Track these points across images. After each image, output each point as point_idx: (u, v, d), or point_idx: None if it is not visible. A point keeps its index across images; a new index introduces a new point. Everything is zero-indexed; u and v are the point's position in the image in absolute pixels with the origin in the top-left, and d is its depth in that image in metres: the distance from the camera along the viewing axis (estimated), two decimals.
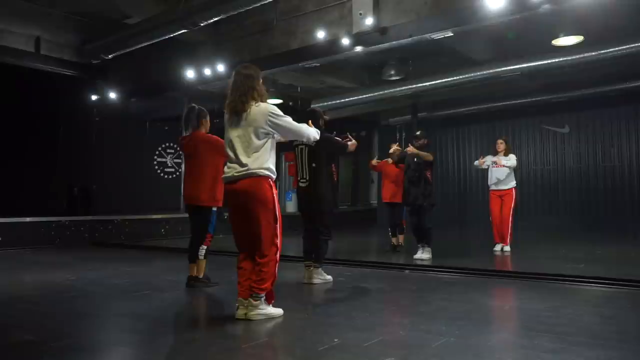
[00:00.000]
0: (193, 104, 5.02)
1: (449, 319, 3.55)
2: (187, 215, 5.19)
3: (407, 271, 5.98)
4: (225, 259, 6.37)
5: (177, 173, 13.85)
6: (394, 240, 7.58)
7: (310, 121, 4.38)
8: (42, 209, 10.04)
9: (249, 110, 3.51)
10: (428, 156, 6.46)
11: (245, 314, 3.49)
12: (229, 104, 3.56)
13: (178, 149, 5.15)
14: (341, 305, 4.13)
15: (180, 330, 3.48)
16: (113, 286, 5.13)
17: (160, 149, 14.23)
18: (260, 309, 3.49)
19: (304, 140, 3.91)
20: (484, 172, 7.75)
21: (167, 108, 12.85)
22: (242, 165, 3.48)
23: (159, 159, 14.19)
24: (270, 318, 3.51)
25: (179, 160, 13.46)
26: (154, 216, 10.55)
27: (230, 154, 3.55)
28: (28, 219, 8.97)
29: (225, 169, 3.59)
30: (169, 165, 14.38)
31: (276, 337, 3.27)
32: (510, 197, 7.28)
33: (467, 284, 5.11)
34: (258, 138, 3.51)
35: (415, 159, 6.54)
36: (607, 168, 11.68)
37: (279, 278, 5.16)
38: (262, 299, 3.51)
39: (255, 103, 3.53)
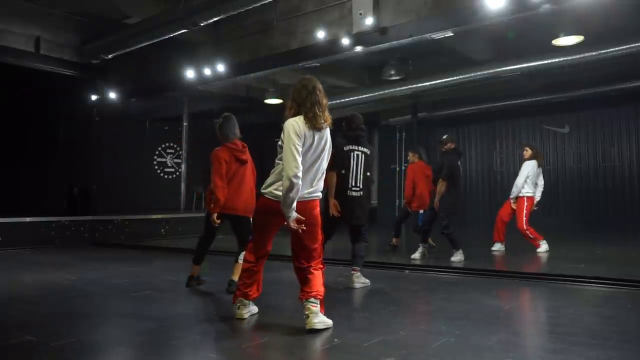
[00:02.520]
0: (228, 113, 4.86)
1: (449, 319, 3.55)
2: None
3: (407, 271, 5.98)
4: (228, 259, 6.36)
5: (177, 173, 13.85)
6: (394, 240, 7.59)
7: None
8: (42, 209, 10.03)
9: (326, 132, 3.40)
10: (439, 192, 6.30)
11: (307, 322, 3.26)
12: (315, 117, 3.29)
13: (235, 154, 4.74)
14: (341, 305, 4.12)
15: (180, 330, 3.48)
16: (113, 286, 5.13)
17: (160, 149, 14.22)
18: (320, 316, 3.30)
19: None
20: (484, 173, 7.77)
21: (167, 108, 12.86)
22: (311, 186, 3.37)
23: (159, 159, 14.19)
24: (327, 328, 3.30)
25: (179, 160, 13.45)
26: (154, 216, 10.55)
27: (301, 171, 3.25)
28: (28, 219, 8.96)
29: (289, 183, 3.17)
30: (169, 165, 14.37)
31: (276, 337, 3.26)
32: (518, 207, 7.17)
33: (467, 284, 5.11)
34: (326, 162, 3.45)
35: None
36: (607, 168, 11.68)
37: (278, 279, 5.20)
38: (319, 306, 3.33)
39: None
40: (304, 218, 3.24)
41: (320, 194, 3.47)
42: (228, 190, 4.59)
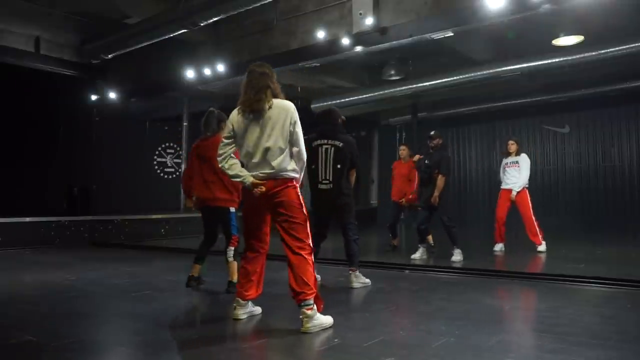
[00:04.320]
0: (212, 108, 4.93)
1: (449, 319, 3.55)
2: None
3: (407, 271, 5.98)
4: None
5: (177, 173, 13.85)
6: (394, 241, 7.59)
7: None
8: (42, 209, 10.04)
9: (270, 111, 3.38)
10: (439, 187, 6.28)
11: (302, 326, 3.24)
12: (247, 101, 3.41)
13: (198, 151, 4.84)
14: (341, 305, 4.12)
15: (180, 330, 3.48)
16: (113, 286, 5.13)
17: (160, 149, 14.21)
18: (315, 319, 3.26)
19: (300, 164, 3.50)
20: (484, 173, 7.76)
21: (167, 108, 12.86)
22: (268, 166, 3.37)
23: (158, 159, 14.18)
24: (325, 329, 3.28)
25: (179, 160, 13.46)
26: (154, 216, 10.55)
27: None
28: (28, 219, 8.97)
29: (246, 167, 3.43)
30: (169, 165, 14.37)
31: (276, 337, 3.26)
32: (521, 198, 7.19)
33: (467, 284, 5.11)
34: (282, 140, 3.39)
35: (427, 162, 6.51)
36: (607, 168, 11.68)
37: (278, 278, 5.20)
38: (314, 307, 3.30)
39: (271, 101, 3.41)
40: (259, 182, 3.36)
41: (288, 174, 3.39)
42: (199, 184, 4.78)
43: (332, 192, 4.80)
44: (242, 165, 3.48)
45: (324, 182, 4.82)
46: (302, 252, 3.35)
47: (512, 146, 7.38)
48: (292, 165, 3.43)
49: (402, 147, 8.01)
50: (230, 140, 3.47)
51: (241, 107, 3.44)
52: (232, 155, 3.48)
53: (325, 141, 4.86)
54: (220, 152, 3.46)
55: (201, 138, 4.87)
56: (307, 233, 3.43)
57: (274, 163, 3.36)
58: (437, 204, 6.31)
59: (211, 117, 4.82)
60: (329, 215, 4.94)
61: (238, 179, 3.42)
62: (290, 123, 3.39)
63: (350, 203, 4.92)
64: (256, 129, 3.39)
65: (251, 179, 3.36)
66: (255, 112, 3.38)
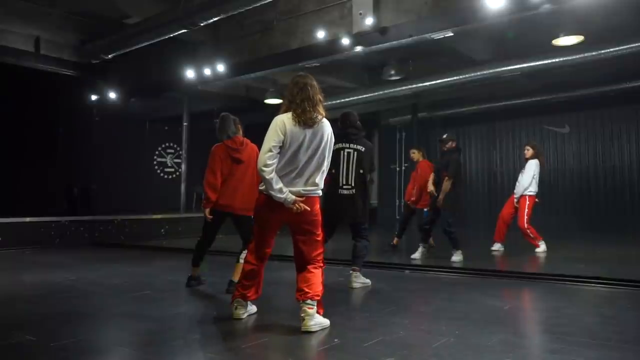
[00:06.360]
0: (225, 112, 4.84)
1: (449, 319, 3.55)
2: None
3: (407, 271, 5.98)
4: (228, 259, 6.37)
5: (177, 173, 13.85)
6: (395, 240, 7.59)
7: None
8: (42, 209, 10.04)
9: (321, 128, 3.39)
10: (444, 190, 6.27)
11: (303, 324, 3.26)
12: (304, 113, 3.32)
13: (230, 153, 4.67)
14: (341, 305, 4.13)
15: (180, 331, 3.48)
16: (113, 286, 5.13)
17: (160, 149, 14.22)
18: (316, 318, 3.31)
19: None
20: (484, 173, 7.78)
21: (167, 108, 12.86)
22: (308, 183, 3.38)
23: (159, 159, 14.19)
24: (324, 328, 3.33)
25: (179, 160, 13.46)
26: (154, 216, 10.55)
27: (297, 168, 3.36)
28: (28, 219, 8.96)
29: (282, 179, 3.32)
30: (169, 165, 14.37)
31: (276, 337, 3.26)
32: (520, 205, 7.18)
33: (467, 284, 5.11)
34: (327, 159, 3.45)
35: (436, 163, 6.57)
36: (607, 168, 11.68)
37: (278, 279, 5.20)
38: (315, 307, 3.32)
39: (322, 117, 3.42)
40: (301, 198, 3.33)
41: (320, 192, 3.47)
42: (224, 188, 4.60)
43: (353, 198, 4.75)
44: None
45: (345, 187, 4.75)
46: (318, 264, 3.46)
47: (527, 152, 7.35)
48: (322, 182, 3.46)
49: (413, 151, 7.96)
50: (278, 151, 3.31)
51: (297, 118, 3.32)
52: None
53: (348, 145, 4.82)
54: (269, 162, 3.27)
55: (231, 140, 4.69)
56: (322, 244, 3.53)
57: (317, 181, 3.40)
58: (442, 206, 6.30)
59: (228, 121, 4.74)
60: (340, 221, 4.84)
61: (279, 195, 3.28)
62: (329, 141, 3.45)
63: (367, 207, 4.90)
64: (310, 145, 3.35)
65: (293, 198, 3.31)
66: (309, 127, 3.35)
